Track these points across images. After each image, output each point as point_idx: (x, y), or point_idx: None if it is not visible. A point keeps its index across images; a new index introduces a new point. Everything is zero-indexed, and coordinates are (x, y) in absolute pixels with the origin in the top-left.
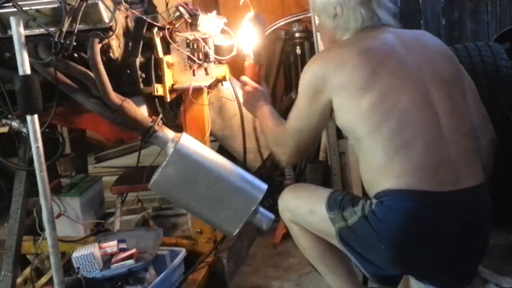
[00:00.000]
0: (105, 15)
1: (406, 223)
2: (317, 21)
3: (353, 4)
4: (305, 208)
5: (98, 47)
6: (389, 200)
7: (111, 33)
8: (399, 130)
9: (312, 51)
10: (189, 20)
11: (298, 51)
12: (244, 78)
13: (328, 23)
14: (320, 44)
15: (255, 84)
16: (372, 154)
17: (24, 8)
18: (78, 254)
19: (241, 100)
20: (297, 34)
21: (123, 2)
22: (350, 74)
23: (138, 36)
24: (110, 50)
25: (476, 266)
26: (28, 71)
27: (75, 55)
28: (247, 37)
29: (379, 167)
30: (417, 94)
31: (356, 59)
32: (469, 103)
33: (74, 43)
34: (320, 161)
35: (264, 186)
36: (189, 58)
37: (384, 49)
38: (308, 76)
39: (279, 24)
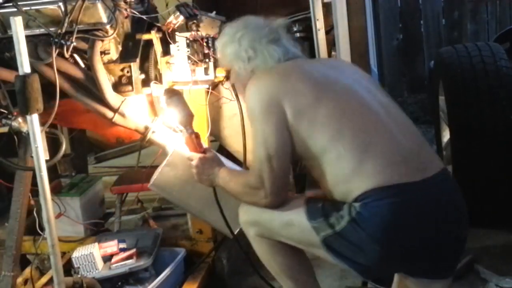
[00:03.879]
0: (105, 15)
1: (395, 218)
2: (233, 74)
3: (264, 44)
4: (279, 221)
5: (98, 47)
6: (372, 200)
7: (111, 33)
8: (360, 130)
9: (312, 51)
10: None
11: None
12: (188, 154)
13: (244, 69)
14: (320, 44)
15: (199, 155)
16: (338, 163)
17: (24, 8)
18: (78, 254)
19: (196, 178)
20: (297, 34)
21: (123, 2)
22: (297, 86)
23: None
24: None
25: (461, 253)
26: (28, 71)
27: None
28: (172, 116)
29: (349, 173)
30: (358, 100)
31: (296, 75)
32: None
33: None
34: None
35: None
36: (189, 58)
37: (313, 67)
38: (256, 98)
39: None
